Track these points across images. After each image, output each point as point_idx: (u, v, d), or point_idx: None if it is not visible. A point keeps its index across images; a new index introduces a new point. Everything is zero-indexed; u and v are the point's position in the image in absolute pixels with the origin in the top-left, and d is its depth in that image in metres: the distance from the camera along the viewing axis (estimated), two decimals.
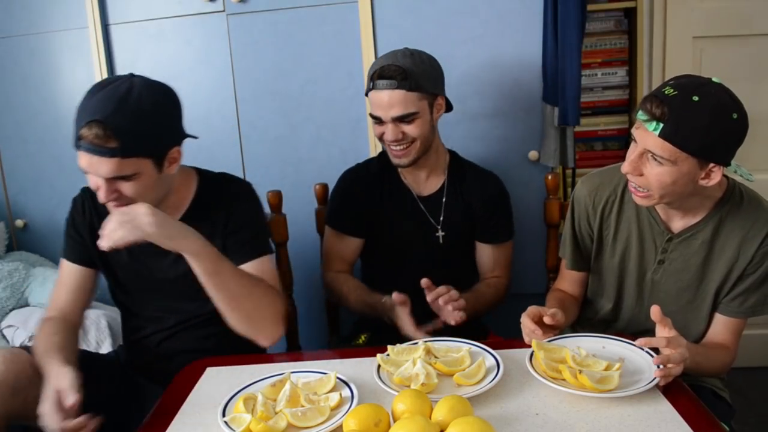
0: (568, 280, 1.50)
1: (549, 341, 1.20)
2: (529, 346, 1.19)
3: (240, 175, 2.12)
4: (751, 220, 1.25)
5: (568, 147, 1.92)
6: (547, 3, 1.83)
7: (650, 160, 1.17)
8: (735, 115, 1.13)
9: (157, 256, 1.33)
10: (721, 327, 1.32)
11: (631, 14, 2.12)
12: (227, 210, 1.38)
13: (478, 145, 1.99)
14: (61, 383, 1.08)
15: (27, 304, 2.10)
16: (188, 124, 2.09)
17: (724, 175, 1.29)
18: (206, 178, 1.44)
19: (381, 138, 1.57)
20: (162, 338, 1.44)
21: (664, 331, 1.09)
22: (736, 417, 1.38)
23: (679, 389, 1.06)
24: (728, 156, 1.17)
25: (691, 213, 1.29)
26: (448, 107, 1.65)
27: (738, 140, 1.16)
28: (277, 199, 1.73)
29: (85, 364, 1.34)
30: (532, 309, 1.24)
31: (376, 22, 1.97)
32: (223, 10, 2.03)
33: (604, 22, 2.14)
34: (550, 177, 1.75)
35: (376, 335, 1.67)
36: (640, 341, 1.09)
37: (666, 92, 1.13)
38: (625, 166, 1.20)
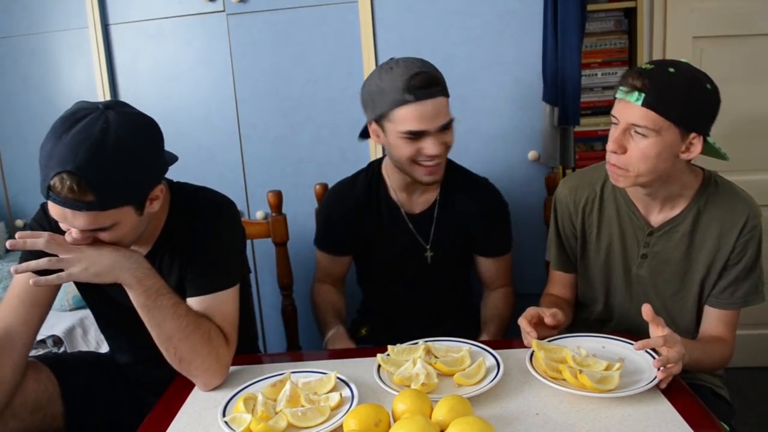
0: (558, 284, 1.51)
1: (549, 341, 1.20)
2: (529, 347, 1.19)
3: (240, 175, 2.13)
4: (729, 210, 1.27)
5: (568, 147, 1.92)
6: (547, 3, 1.83)
7: (634, 136, 1.19)
8: (709, 86, 1.18)
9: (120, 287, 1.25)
10: (715, 320, 1.32)
11: (631, 14, 2.12)
12: (192, 237, 1.25)
13: (478, 145, 2.00)
14: None
15: None
16: (188, 124, 2.11)
17: (700, 168, 1.33)
18: (179, 200, 1.29)
19: (412, 158, 1.43)
20: (139, 362, 1.38)
21: (657, 330, 1.09)
22: (736, 417, 1.38)
23: (679, 389, 1.06)
24: (707, 125, 1.21)
25: (669, 205, 1.31)
26: None
27: (714, 110, 1.21)
28: (277, 199, 1.73)
29: (86, 364, 1.35)
30: (530, 311, 1.24)
31: (376, 22, 1.97)
32: (223, 10, 2.03)
33: (604, 22, 2.14)
34: (550, 177, 1.75)
35: (376, 329, 1.68)
36: (637, 345, 1.08)
37: (643, 67, 1.19)
38: (610, 144, 1.22)
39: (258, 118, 2.10)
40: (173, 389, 1.20)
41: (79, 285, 1.34)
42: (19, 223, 2.27)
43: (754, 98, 2.20)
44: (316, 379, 1.14)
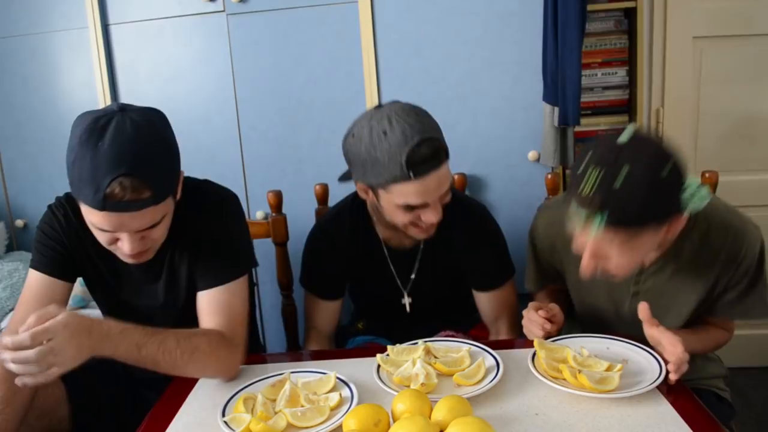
0: (546, 295, 1.48)
1: (553, 341, 1.20)
2: (530, 346, 1.19)
3: (240, 175, 2.13)
4: (722, 244, 1.20)
5: (568, 147, 1.92)
6: (547, 3, 1.83)
7: (607, 253, 1.08)
8: (666, 170, 1.01)
9: (135, 285, 1.30)
10: (712, 321, 1.31)
11: (631, 14, 2.13)
12: (197, 230, 1.26)
13: (478, 145, 2.00)
14: None
15: None
16: (188, 124, 2.11)
17: None
18: (184, 193, 1.26)
19: (410, 223, 1.34)
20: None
21: (653, 330, 1.09)
22: (737, 417, 1.38)
23: (679, 390, 1.06)
24: (679, 205, 1.06)
25: (665, 243, 1.22)
26: None
27: (679, 188, 1.05)
28: (277, 199, 1.73)
29: (90, 365, 1.34)
30: (534, 304, 1.25)
31: (376, 22, 1.97)
32: (223, 10, 2.03)
33: (604, 22, 2.14)
34: (550, 177, 1.75)
35: (370, 322, 1.67)
36: (672, 375, 1.06)
37: (591, 180, 1.02)
38: (585, 271, 1.11)
39: (258, 118, 2.10)
40: (173, 389, 1.20)
41: (89, 284, 1.35)
42: (19, 223, 2.28)
43: (754, 98, 2.20)
44: (315, 379, 1.14)
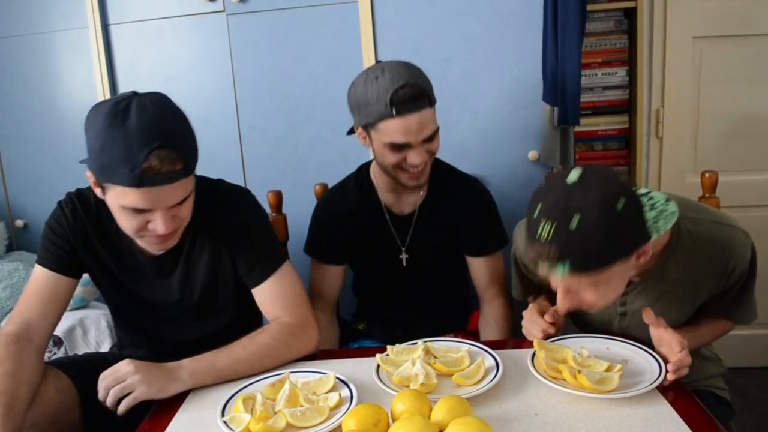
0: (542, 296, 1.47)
1: (553, 341, 1.20)
2: (530, 346, 1.19)
3: (240, 175, 2.13)
4: (705, 257, 1.18)
5: (568, 147, 1.92)
6: (547, 3, 1.83)
7: (579, 292, 1.07)
8: (620, 204, 0.98)
9: (148, 280, 1.31)
10: (706, 318, 1.31)
11: (631, 14, 2.12)
12: (230, 226, 1.30)
13: (478, 145, 2.00)
14: None
15: None
16: None
17: None
18: (203, 187, 1.30)
19: (397, 165, 1.45)
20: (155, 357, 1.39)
21: (660, 332, 1.10)
22: (736, 417, 1.38)
23: (678, 390, 1.06)
24: (643, 235, 1.04)
25: (642, 266, 1.19)
26: None
27: (639, 218, 1.03)
28: (277, 199, 1.73)
29: (100, 367, 1.34)
30: (536, 305, 1.24)
31: (376, 22, 1.97)
32: (223, 10, 2.03)
33: (604, 22, 2.14)
34: (550, 177, 1.75)
35: (372, 322, 1.69)
36: (671, 373, 1.06)
37: (544, 233, 1.00)
38: (560, 308, 1.10)
39: (258, 118, 2.10)
40: None
41: (98, 280, 1.35)
42: (19, 223, 2.28)
43: (754, 98, 2.20)
44: (315, 379, 1.14)
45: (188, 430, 1.05)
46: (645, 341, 1.17)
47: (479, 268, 1.61)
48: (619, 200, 0.98)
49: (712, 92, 2.20)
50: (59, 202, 1.32)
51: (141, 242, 1.22)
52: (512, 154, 1.99)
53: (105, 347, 1.91)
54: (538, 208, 1.02)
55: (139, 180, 1.06)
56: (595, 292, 1.06)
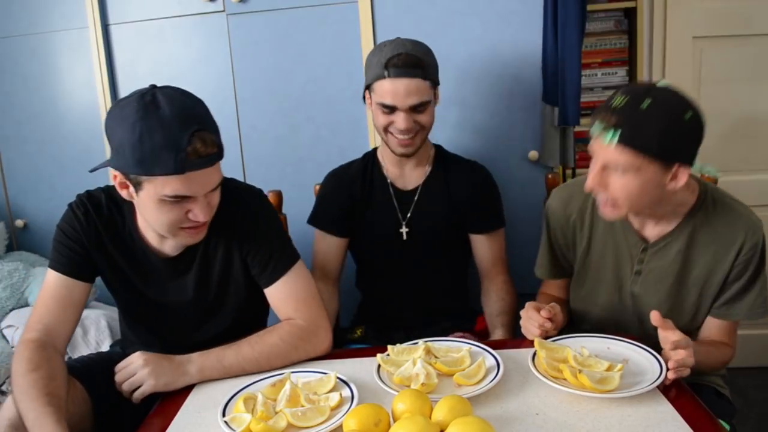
0: (554, 286, 1.50)
1: (553, 341, 1.20)
2: (530, 345, 1.19)
3: (240, 175, 2.13)
4: (726, 228, 1.23)
5: (568, 147, 1.92)
6: (547, 3, 1.83)
7: (613, 173, 1.14)
8: (688, 115, 1.11)
9: (161, 281, 1.31)
10: (714, 329, 1.31)
11: (631, 14, 2.13)
12: (243, 225, 1.30)
13: (478, 145, 1.99)
14: None
15: (27, 304, 2.10)
16: None
17: (696, 180, 1.28)
18: None
19: (386, 128, 1.55)
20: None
21: (668, 334, 1.09)
22: (737, 416, 1.38)
23: (679, 389, 1.06)
24: (689, 155, 1.14)
25: (664, 221, 1.27)
26: None
27: (696, 138, 1.14)
28: (277, 199, 1.73)
29: (94, 369, 1.34)
30: (532, 303, 1.25)
31: (376, 22, 1.97)
32: (223, 10, 2.03)
33: (604, 22, 2.14)
34: (550, 177, 1.75)
35: (370, 328, 1.69)
36: (672, 364, 1.07)
37: (616, 102, 1.12)
38: (588, 183, 1.17)
39: (258, 118, 2.10)
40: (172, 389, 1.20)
41: (109, 282, 1.34)
42: (19, 223, 2.28)
43: (754, 98, 2.20)
44: (315, 379, 1.14)
45: (189, 430, 1.05)
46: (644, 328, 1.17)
47: (482, 245, 1.68)
48: (689, 112, 1.11)
49: (712, 92, 2.20)
50: (70, 205, 1.30)
51: (173, 237, 1.22)
52: (512, 154, 1.99)
53: (105, 347, 1.91)
54: (620, 90, 1.15)
55: (183, 165, 1.07)
56: (621, 179, 1.13)
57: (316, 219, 1.72)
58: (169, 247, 1.29)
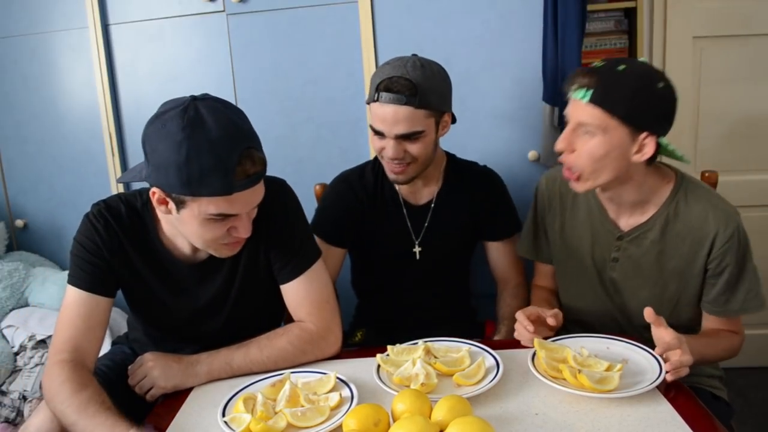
0: (544, 275, 1.53)
1: (552, 341, 1.20)
2: (528, 347, 1.19)
3: None
4: (700, 220, 1.24)
5: None
6: (547, 3, 1.83)
7: (582, 135, 1.19)
8: (661, 84, 1.15)
9: (186, 286, 1.29)
10: (716, 323, 1.31)
11: (631, 14, 2.12)
12: (269, 220, 1.26)
13: (478, 145, 1.99)
14: None
15: (27, 304, 2.10)
16: None
17: (674, 171, 1.30)
18: None
19: (379, 152, 1.49)
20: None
21: (660, 331, 1.10)
22: (736, 417, 1.38)
23: (678, 390, 1.06)
24: (658, 126, 1.17)
25: (638, 212, 1.29)
26: (453, 120, 1.59)
27: (666, 109, 1.18)
28: None
29: (112, 378, 1.33)
30: (530, 309, 1.25)
31: (376, 22, 1.97)
32: (223, 10, 2.03)
33: (604, 22, 2.14)
34: None
35: (371, 332, 1.68)
36: (658, 351, 1.09)
37: (594, 64, 1.19)
38: (559, 143, 1.21)
39: (258, 118, 2.06)
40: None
41: (129, 293, 1.31)
42: (19, 223, 2.28)
43: (754, 98, 2.20)
44: (315, 379, 1.14)
45: (189, 430, 1.05)
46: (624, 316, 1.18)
47: (498, 252, 1.66)
48: (661, 83, 1.16)
49: (712, 92, 2.19)
50: (87, 217, 1.24)
51: (213, 251, 1.19)
52: (512, 154, 1.99)
53: (104, 348, 1.91)
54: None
55: (231, 186, 1.04)
56: (589, 141, 1.17)
57: (319, 227, 1.60)
58: (197, 255, 1.27)
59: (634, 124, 1.15)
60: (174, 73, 2.10)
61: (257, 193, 1.13)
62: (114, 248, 1.22)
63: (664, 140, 1.20)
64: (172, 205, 1.10)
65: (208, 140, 1.03)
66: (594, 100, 1.15)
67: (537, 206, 1.47)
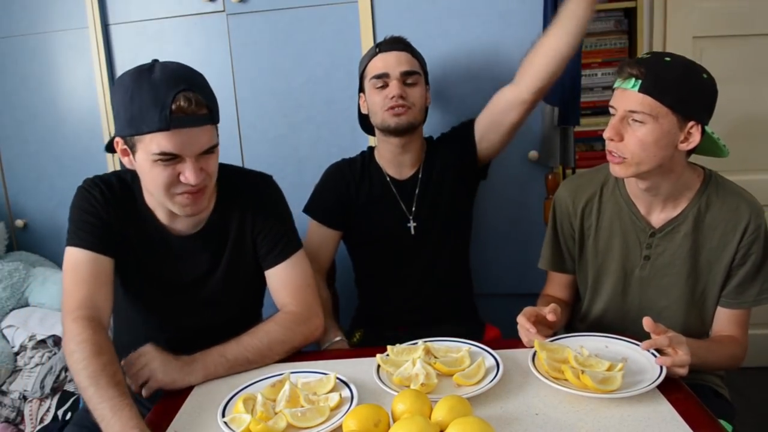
0: (555, 284, 1.51)
1: (551, 341, 1.20)
2: (528, 344, 1.19)
3: None
4: (731, 210, 1.27)
5: (568, 147, 1.91)
6: (547, 3, 1.83)
7: (631, 124, 1.21)
8: (705, 75, 1.20)
9: (175, 259, 1.32)
10: (726, 321, 1.33)
11: (631, 14, 2.12)
12: (252, 209, 1.35)
13: None
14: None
15: (27, 304, 2.10)
16: None
17: (701, 167, 1.33)
18: (229, 171, 1.37)
19: (381, 104, 1.59)
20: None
21: (661, 338, 1.09)
22: (737, 417, 1.38)
23: (678, 389, 1.06)
24: (704, 114, 1.21)
25: (670, 205, 1.31)
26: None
27: (711, 100, 1.22)
28: None
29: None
30: (528, 309, 1.25)
31: (376, 22, 1.97)
32: (223, 10, 2.03)
33: (604, 22, 2.14)
34: (550, 177, 1.75)
35: (369, 332, 1.68)
36: (644, 345, 1.10)
37: (638, 57, 1.23)
38: (607, 131, 1.24)
39: (258, 118, 2.10)
40: (172, 389, 1.20)
41: (119, 261, 1.29)
42: (19, 223, 2.28)
43: (754, 98, 2.20)
44: (315, 380, 1.14)
45: (189, 430, 1.05)
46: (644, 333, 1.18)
47: (485, 118, 1.70)
48: (705, 74, 1.20)
49: None
50: (82, 187, 1.29)
51: (173, 206, 1.22)
52: (512, 154, 1.99)
53: None
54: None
55: (168, 121, 1.10)
56: (639, 129, 1.19)
57: (312, 209, 1.73)
58: (181, 224, 1.31)
59: (682, 113, 1.19)
60: None
61: (200, 135, 1.15)
62: (110, 213, 1.27)
63: (709, 129, 1.24)
64: (130, 154, 1.18)
65: (149, 82, 1.13)
66: (644, 89, 1.18)
67: (557, 217, 1.46)
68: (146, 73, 1.14)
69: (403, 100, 1.58)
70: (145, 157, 1.15)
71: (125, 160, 1.21)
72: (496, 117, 1.65)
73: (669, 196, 1.30)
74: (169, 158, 1.14)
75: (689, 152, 1.25)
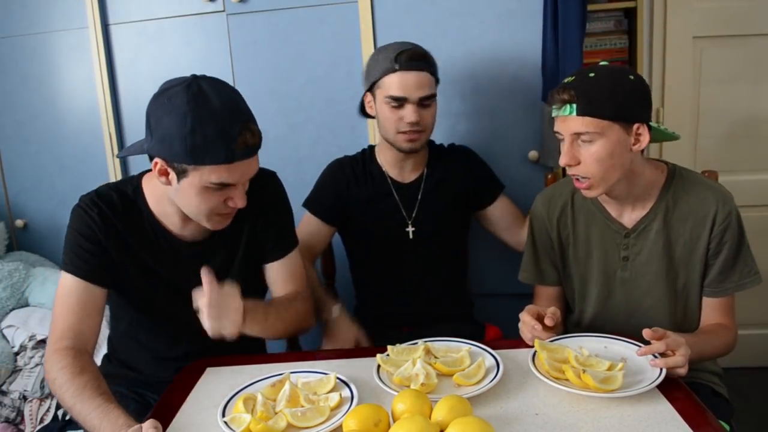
0: (543, 298, 1.49)
1: (551, 341, 1.20)
2: (530, 346, 1.19)
3: None
4: (698, 201, 1.29)
5: None
6: (547, 3, 1.83)
7: (582, 144, 1.22)
8: (632, 76, 1.22)
9: (185, 266, 1.30)
10: (712, 310, 1.34)
11: (631, 14, 2.12)
12: (262, 202, 1.36)
13: (478, 145, 1.99)
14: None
15: (27, 304, 2.10)
16: None
17: (664, 162, 1.34)
18: None
19: (395, 126, 1.57)
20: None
21: (659, 344, 1.09)
22: (736, 417, 1.38)
23: (678, 389, 1.06)
24: (643, 113, 1.23)
25: (639, 205, 1.32)
26: None
27: (645, 97, 1.23)
28: None
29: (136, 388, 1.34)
30: (530, 307, 1.25)
31: (376, 22, 1.97)
32: (223, 10, 2.03)
33: (604, 22, 2.13)
34: (550, 177, 1.75)
35: (369, 332, 1.68)
36: (640, 351, 1.10)
37: (566, 81, 1.23)
38: (562, 159, 1.24)
39: (258, 118, 2.07)
40: (173, 389, 1.20)
41: (128, 277, 1.29)
42: (19, 223, 2.28)
43: (754, 98, 2.20)
44: (315, 380, 1.14)
45: (189, 430, 1.05)
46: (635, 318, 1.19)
47: (498, 210, 1.75)
48: (631, 75, 1.22)
49: (712, 92, 2.20)
50: (79, 207, 1.26)
51: (207, 223, 1.24)
52: (512, 154, 1.99)
53: (103, 350, 1.91)
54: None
55: (233, 156, 1.12)
56: (591, 148, 1.21)
57: (310, 202, 1.74)
58: (190, 232, 1.31)
59: (624, 120, 1.20)
60: (174, 73, 2.06)
61: (254, 164, 1.20)
62: (110, 233, 1.25)
63: (653, 123, 1.25)
64: (173, 175, 1.16)
65: (211, 112, 1.11)
66: (581, 112, 1.19)
67: (534, 229, 1.46)
68: (202, 99, 1.11)
69: (418, 126, 1.56)
70: (197, 184, 1.15)
71: (161, 179, 1.18)
72: (495, 228, 1.77)
73: (637, 196, 1.31)
74: (223, 186, 1.17)
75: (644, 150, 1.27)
